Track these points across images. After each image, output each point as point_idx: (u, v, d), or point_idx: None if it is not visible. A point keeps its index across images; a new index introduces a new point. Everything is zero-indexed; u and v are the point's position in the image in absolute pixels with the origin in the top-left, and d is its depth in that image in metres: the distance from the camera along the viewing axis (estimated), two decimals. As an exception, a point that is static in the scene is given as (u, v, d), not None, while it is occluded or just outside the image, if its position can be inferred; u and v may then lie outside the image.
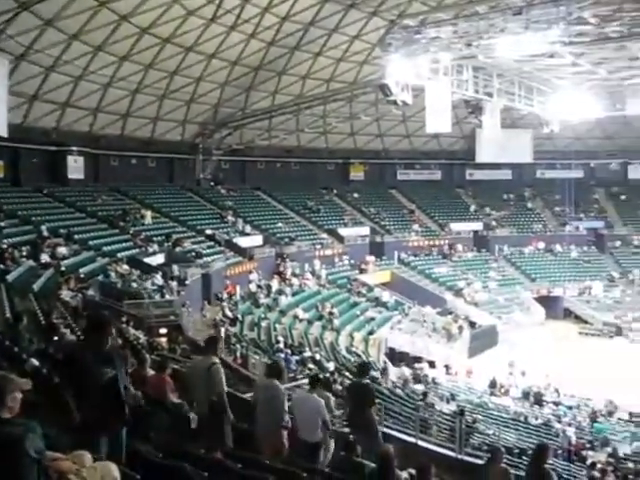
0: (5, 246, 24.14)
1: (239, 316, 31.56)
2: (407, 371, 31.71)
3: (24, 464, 3.85)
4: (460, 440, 16.27)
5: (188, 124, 42.00)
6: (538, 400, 29.46)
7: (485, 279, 49.37)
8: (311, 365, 25.24)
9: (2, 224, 27.42)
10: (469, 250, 52.75)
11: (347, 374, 25.62)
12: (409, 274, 47.54)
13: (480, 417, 23.16)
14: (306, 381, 19.05)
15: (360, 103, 45.36)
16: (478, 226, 54.64)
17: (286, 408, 8.26)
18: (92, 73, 33.15)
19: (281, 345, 28.00)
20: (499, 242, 53.56)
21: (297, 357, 26.21)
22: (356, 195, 53.10)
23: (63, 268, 25.13)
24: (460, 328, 39.88)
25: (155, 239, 35.08)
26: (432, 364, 35.23)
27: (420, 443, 15.77)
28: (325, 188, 51.87)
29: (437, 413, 22.55)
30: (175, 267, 31.63)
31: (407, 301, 42.60)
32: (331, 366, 26.25)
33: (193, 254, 35.03)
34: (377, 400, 12.53)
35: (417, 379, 30.40)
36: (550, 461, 15.61)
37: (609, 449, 21.77)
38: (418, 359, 36.01)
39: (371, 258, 46.98)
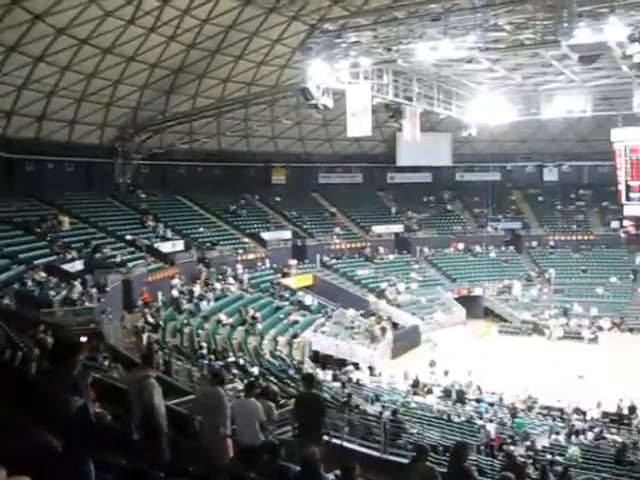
0: None
1: (161, 322, 31.08)
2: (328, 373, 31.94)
3: None
4: (385, 440, 16.42)
5: (107, 127, 41.09)
6: (460, 398, 29.98)
7: (407, 280, 50.01)
8: (235, 370, 25.06)
9: None
10: (391, 252, 53.38)
11: (272, 379, 25.62)
12: (332, 277, 47.79)
13: (405, 417, 23.44)
14: (230, 387, 19.06)
15: (281, 107, 45.36)
16: (399, 228, 55.41)
17: (229, 415, 8.19)
18: (5, 75, 32.08)
19: (204, 351, 27.69)
20: (420, 244, 54.43)
21: (221, 363, 25.97)
22: (278, 199, 53.06)
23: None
24: (383, 329, 40.32)
25: (74, 245, 34.19)
26: (356, 366, 35.45)
27: (345, 444, 15.83)
28: (247, 192, 51.55)
29: (362, 414, 22.77)
30: (95, 274, 30.93)
31: (330, 304, 42.80)
32: (255, 371, 26.14)
33: (113, 260, 34.31)
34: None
35: (336, 380, 30.61)
36: (473, 457, 16.03)
37: (528, 443, 22.40)
38: (342, 361, 36.21)
39: (293, 262, 46.99)
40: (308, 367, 32.96)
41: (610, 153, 35.89)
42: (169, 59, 37.45)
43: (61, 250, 32.78)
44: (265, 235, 48.02)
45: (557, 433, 24.24)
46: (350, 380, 31.31)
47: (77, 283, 28.44)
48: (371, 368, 35.69)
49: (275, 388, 14.90)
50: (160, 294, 34.65)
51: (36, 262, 29.37)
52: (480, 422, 24.68)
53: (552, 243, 55.87)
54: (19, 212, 35.33)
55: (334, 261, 49.89)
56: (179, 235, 42.68)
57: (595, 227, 56.20)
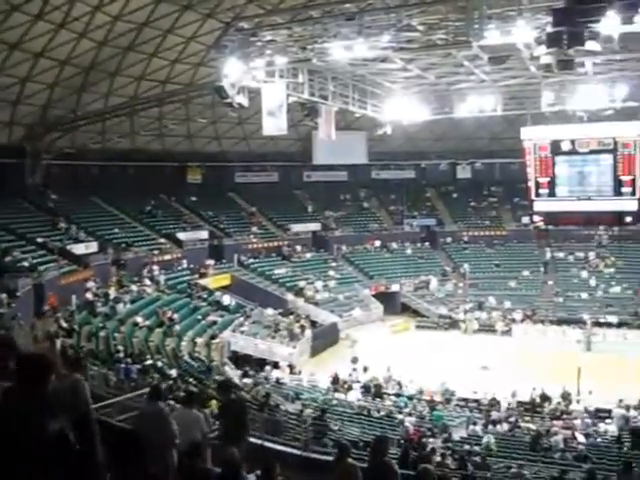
0: None
1: (75, 327, 30.26)
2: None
3: None
4: (306, 438, 16.48)
5: (15, 126, 39.71)
6: (379, 393, 30.33)
7: (325, 278, 50.32)
8: (155, 374, 24.70)
9: None
10: (308, 251, 53.59)
11: (191, 380, 25.38)
12: (249, 276, 47.63)
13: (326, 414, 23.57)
14: (147, 390, 18.72)
15: (196, 105, 44.89)
16: (316, 227, 55.68)
17: (175, 427, 8.01)
18: None
19: (121, 355, 27.15)
20: (337, 242, 54.87)
21: (138, 366, 25.55)
22: (194, 198, 52.46)
23: None
24: (302, 328, 40.44)
25: (-19, 249, 32.95)
26: (276, 365, 35.45)
27: (267, 444, 15.80)
28: (162, 192, 50.71)
29: (282, 413, 22.81)
30: (4, 278, 29.87)
31: (248, 303, 42.67)
32: (174, 373, 25.85)
33: (24, 264, 33.18)
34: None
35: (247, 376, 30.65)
36: (394, 451, 16.21)
37: (447, 435, 22.88)
38: (262, 361, 36.14)
39: (211, 262, 46.60)
40: (228, 368, 32.86)
41: (520, 151, 36.81)
42: (80, 56, 36.42)
43: (-33, 254, 31.60)
44: (181, 235, 47.44)
45: (474, 424, 24.81)
46: (256, 375, 31.36)
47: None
48: (291, 366, 35.74)
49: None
50: (74, 297, 33.72)
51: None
52: (400, 416, 25.03)
53: (466, 239, 57.19)
54: None
55: (252, 260, 49.72)
56: (93, 237, 41.62)
57: (507, 223, 57.81)
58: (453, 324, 46.34)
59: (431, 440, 21.25)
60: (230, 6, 33.84)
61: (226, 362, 34.54)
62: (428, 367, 34.43)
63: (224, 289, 43.86)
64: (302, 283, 48.34)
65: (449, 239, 57.62)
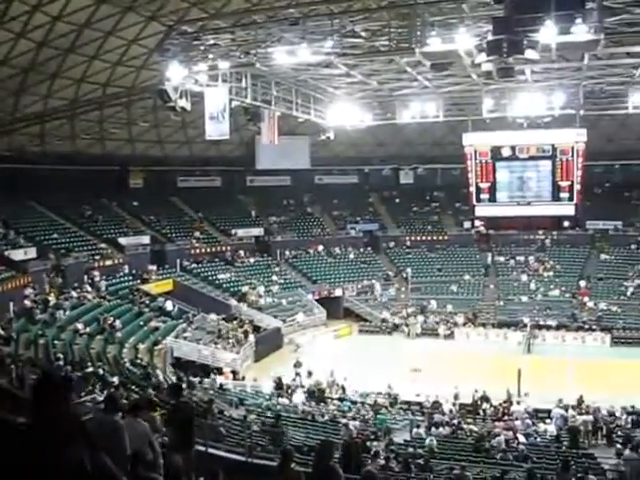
0: None
1: (13, 335, 29.57)
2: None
3: None
4: (250, 444, 16.39)
5: (-51, 128, 38.74)
6: (322, 398, 30.36)
7: (268, 283, 50.24)
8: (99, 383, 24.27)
9: None
10: (251, 255, 53.44)
11: (133, 387, 25.01)
12: (192, 282, 47.24)
13: (270, 419, 23.53)
14: (89, 398, 18.40)
15: (138, 108, 44.36)
16: (260, 232, 55.59)
17: (127, 440, 7.81)
18: None
19: (61, 362, 26.62)
20: (280, 247, 54.80)
21: (79, 373, 25.08)
22: (136, 203, 51.82)
23: None
24: (245, 333, 40.29)
25: None
26: (219, 370, 35.23)
27: (211, 451, 15.65)
28: (103, 196, 49.94)
29: (226, 419, 22.66)
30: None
31: (191, 309, 42.30)
32: (115, 380, 25.44)
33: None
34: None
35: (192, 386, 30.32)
36: (337, 456, 16.23)
37: (390, 438, 23.02)
38: (205, 367, 35.87)
39: (153, 267, 46.08)
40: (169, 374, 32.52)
41: (462, 156, 37.36)
42: (18, 57, 35.59)
43: None
44: (123, 240, 46.78)
45: (418, 427, 24.99)
46: (197, 381, 31.15)
47: None
48: (234, 372, 35.56)
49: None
50: (12, 305, 32.92)
51: None
52: (344, 421, 25.08)
53: (408, 243, 57.74)
54: None
55: (194, 265, 49.36)
56: (31, 242, 40.74)
57: (449, 227, 58.54)
58: (396, 328, 46.72)
59: (375, 443, 21.34)
60: (173, 9, 33.56)
61: (169, 368, 34.18)
62: (372, 371, 34.63)
63: (167, 295, 43.38)
64: (245, 288, 48.17)
65: (392, 244, 58.08)
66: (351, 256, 56.29)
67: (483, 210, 36.81)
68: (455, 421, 25.93)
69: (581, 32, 18.21)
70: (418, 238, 58.01)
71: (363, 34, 23.93)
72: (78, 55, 37.61)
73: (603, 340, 42.96)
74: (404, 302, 50.93)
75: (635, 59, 27.05)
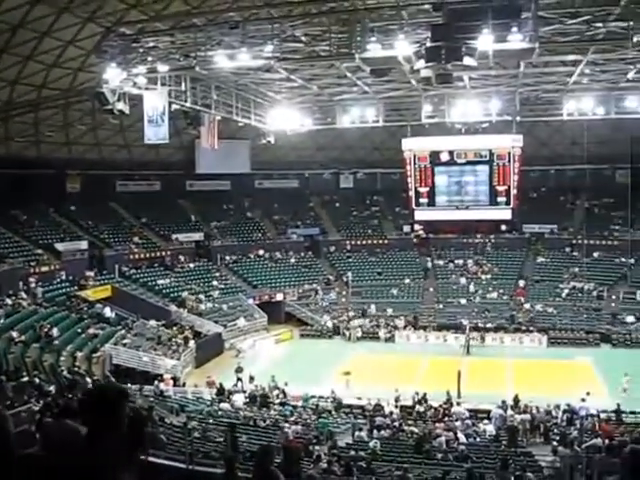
0: None
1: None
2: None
3: None
4: (191, 451, 16.20)
5: None
6: (264, 403, 30.25)
7: (208, 288, 49.87)
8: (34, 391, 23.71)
9: None
10: (191, 260, 52.98)
11: (70, 396, 24.49)
12: (131, 287, 46.59)
13: (212, 425, 23.36)
14: (25, 408, 17.98)
15: (75, 111, 43.54)
16: (200, 236, 55.17)
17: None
18: None
19: (-5, 371, 25.96)
20: (221, 251, 54.51)
21: (14, 383, 24.45)
22: (73, 208, 50.86)
23: None
24: (186, 339, 39.90)
25: None
26: (160, 377, 34.76)
27: (151, 459, 15.44)
28: (39, 201, 48.70)
29: (167, 426, 22.39)
30: None
31: (130, 315, 41.70)
32: (52, 389, 24.90)
33: None
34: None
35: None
36: (279, 461, 16.18)
37: (332, 441, 23.06)
38: (145, 374, 35.39)
39: (91, 273, 45.29)
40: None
41: (401, 161, 37.74)
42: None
43: None
44: (59, 246, 45.81)
45: (360, 430, 25.10)
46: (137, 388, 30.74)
47: None
48: (175, 379, 35.15)
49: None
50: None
51: None
52: (286, 425, 25.04)
53: (349, 247, 58.03)
54: None
55: (134, 271, 48.69)
56: (-37, 248, 39.71)
57: (389, 231, 59.03)
58: (337, 332, 46.88)
59: (317, 447, 21.35)
60: (111, 11, 33.01)
61: (108, 376, 33.58)
62: (315, 374, 34.72)
63: (105, 301, 42.65)
64: (185, 293, 47.73)
65: (332, 248, 58.28)
66: (292, 260, 56.28)
67: (422, 214, 37.25)
68: (396, 423, 26.12)
69: (517, 40, 18.65)
70: (358, 242, 58.33)
71: (303, 39, 24.03)
72: (12, 55, 36.58)
73: (540, 341, 43.89)
74: (345, 306, 51.13)
75: (569, 68, 27.84)
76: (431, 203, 36.67)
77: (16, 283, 39.50)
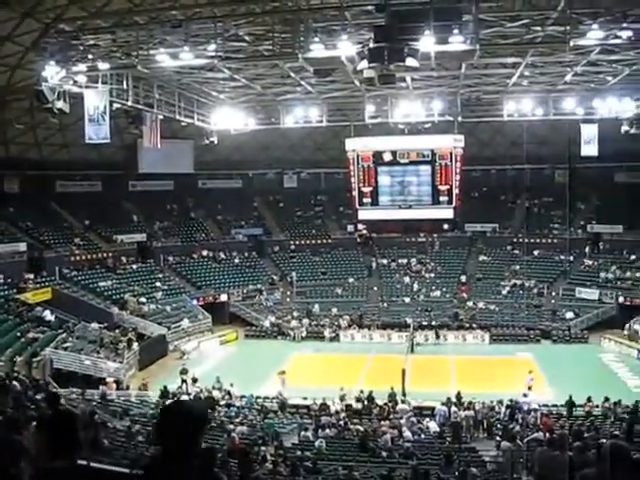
0: None
1: None
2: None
3: None
4: (135, 456, 16.01)
5: None
6: (210, 404, 30.04)
7: (151, 290, 49.32)
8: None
9: None
10: (134, 262, 52.31)
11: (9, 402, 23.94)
12: (72, 290, 45.71)
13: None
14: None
15: (13, 109, 42.56)
16: (142, 237, 54.52)
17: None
18: None
19: None
20: (164, 252, 54.02)
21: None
22: (11, 209, 49.69)
23: None
24: (129, 341, 39.38)
25: None
26: (102, 381, 34.24)
27: (93, 464, 15.19)
28: (-25, 202, 47.72)
29: (110, 430, 22.08)
30: None
31: (72, 318, 40.93)
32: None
33: None
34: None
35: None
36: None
37: (278, 442, 23.06)
38: (88, 377, 34.81)
39: (30, 275, 44.30)
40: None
41: (344, 161, 37.87)
42: None
43: None
44: (-3, 248, 44.79)
45: (305, 429, 25.15)
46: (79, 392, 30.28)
47: None
48: (118, 382, 34.66)
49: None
50: None
51: None
52: (231, 426, 24.93)
53: (293, 247, 58.09)
54: None
55: (75, 273, 47.81)
56: None
57: (332, 231, 59.29)
58: (281, 332, 46.87)
59: (263, 448, 21.31)
60: (50, 6, 32.32)
61: (49, 381, 32.91)
62: (259, 375, 34.65)
63: (45, 304, 41.80)
64: (128, 295, 47.10)
65: (276, 248, 58.28)
66: (236, 261, 56.07)
67: (366, 214, 37.40)
68: (341, 422, 26.23)
69: (458, 42, 18.87)
70: (302, 242, 58.44)
71: (247, 38, 23.93)
72: (-56, 52, 35.71)
73: (482, 338, 44.68)
74: (289, 306, 51.16)
75: (509, 70, 28.35)
76: (374, 203, 36.85)
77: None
